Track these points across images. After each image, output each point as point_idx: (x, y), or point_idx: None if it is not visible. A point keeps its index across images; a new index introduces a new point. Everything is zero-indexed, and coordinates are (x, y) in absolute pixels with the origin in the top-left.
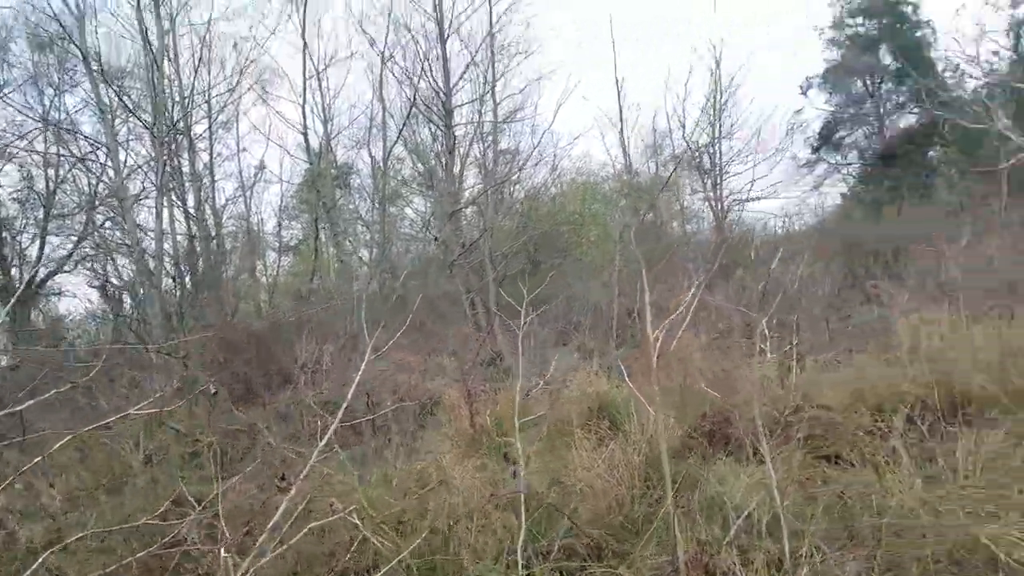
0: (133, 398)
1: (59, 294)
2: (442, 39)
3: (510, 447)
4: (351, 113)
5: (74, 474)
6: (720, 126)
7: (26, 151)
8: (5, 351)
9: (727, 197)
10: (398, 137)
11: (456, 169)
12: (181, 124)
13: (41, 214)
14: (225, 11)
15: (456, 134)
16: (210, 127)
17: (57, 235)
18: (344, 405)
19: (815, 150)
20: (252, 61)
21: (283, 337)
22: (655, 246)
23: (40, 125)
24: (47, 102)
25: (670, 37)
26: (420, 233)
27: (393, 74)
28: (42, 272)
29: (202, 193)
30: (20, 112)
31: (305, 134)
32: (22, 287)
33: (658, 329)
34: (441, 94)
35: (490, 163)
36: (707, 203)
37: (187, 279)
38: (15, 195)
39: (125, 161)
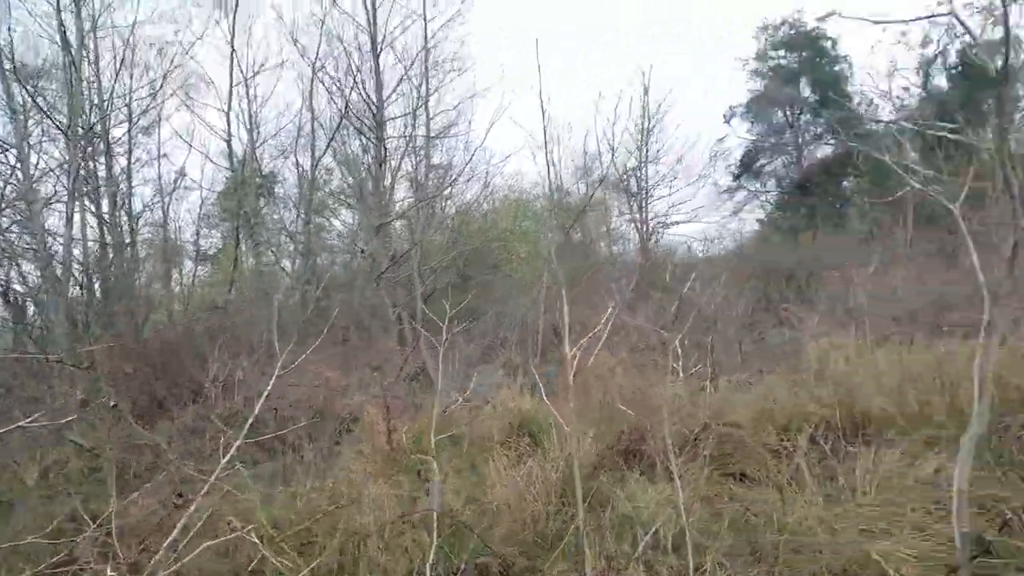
0: (29, 410)
1: None
2: (375, 52)
3: (425, 464)
4: (279, 122)
5: None
6: (647, 151)
7: None
8: None
9: (652, 220)
10: (327, 148)
11: (387, 182)
12: (98, 127)
13: None
14: (151, 14)
15: (387, 147)
16: (129, 131)
17: None
18: (250, 420)
19: (736, 177)
20: (177, 66)
21: (196, 349)
22: (582, 265)
23: None
24: None
25: (601, 55)
26: (347, 245)
27: (324, 85)
28: None
29: (118, 198)
30: None
31: (229, 141)
32: None
33: (575, 347)
34: (372, 106)
35: (422, 177)
36: (633, 225)
37: (96, 287)
38: None
39: (36, 163)
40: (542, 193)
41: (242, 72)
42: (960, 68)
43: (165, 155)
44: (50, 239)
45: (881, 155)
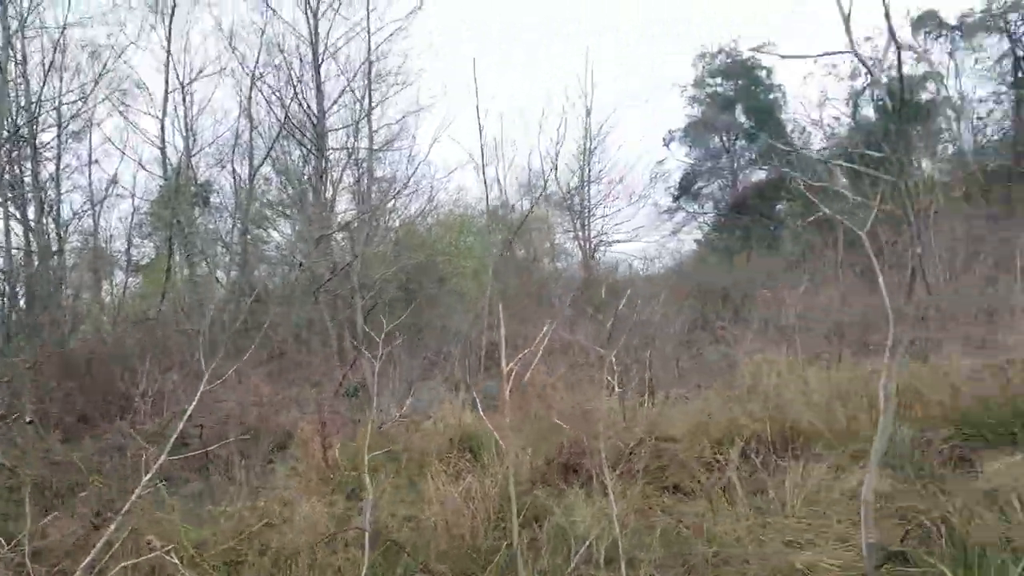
0: None
1: None
2: (316, 63)
3: (358, 482)
4: (216, 130)
5: None
6: (589, 170)
7: None
8: None
9: (594, 237)
10: (265, 157)
11: (327, 194)
12: (25, 131)
13: None
14: (82, 16)
15: (328, 158)
16: (59, 136)
17: None
18: (172, 437)
19: (675, 199)
20: (109, 70)
21: (125, 362)
22: (525, 281)
23: None
24: None
25: (547, 75)
26: (286, 258)
27: (263, 94)
28: None
29: (45, 205)
30: None
31: (163, 149)
32: None
33: (512, 363)
34: (313, 117)
35: (364, 190)
36: (576, 242)
37: (21, 296)
38: None
39: None
40: (486, 208)
41: (178, 78)
42: (887, 100)
43: (96, 161)
44: None
45: (811, 181)
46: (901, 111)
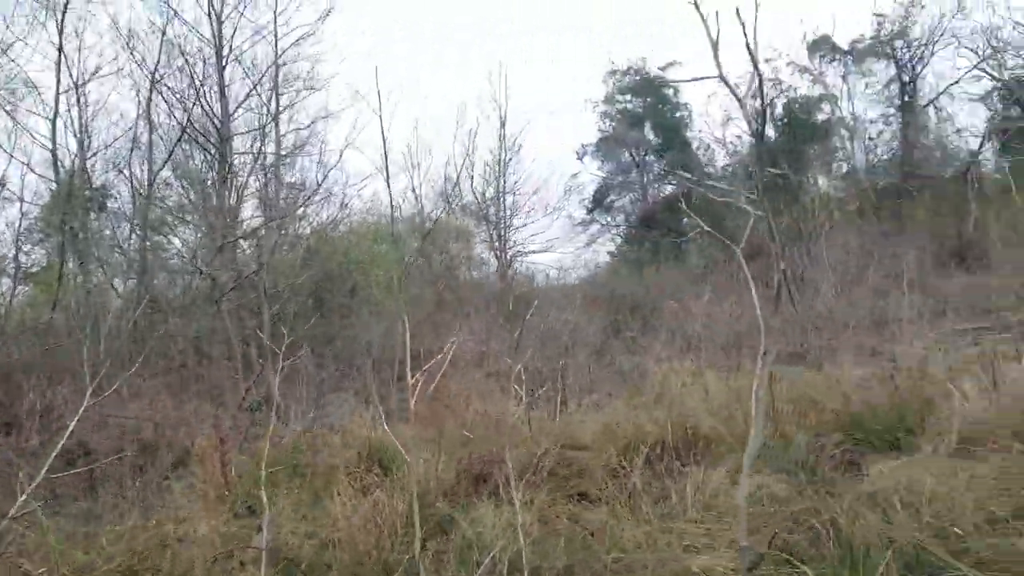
0: None
1: None
2: (220, 66)
3: (256, 500)
4: (112, 132)
5: None
6: (504, 181)
7: None
8: None
9: (510, 248)
10: (166, 162)
11: (232, 200)
12: None
13: None
14: None
15: (233, 163)
16: None
17: None
18: (53, 454)
19: (589, 211)
20: None
21: (10, 375)
22: (442, 290)
23: None
24: None
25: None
26: (188, 265)
27: (163, 96)
28: None
29: None
30: None
31: (55, 151)
32: None
33: (419, 373)
34: (216, 121)
35: (271, 196)
36: (492, 252)
37: None
38: None
39: None
40: (399, 216)
41: (72, 78)
42: (786, 120)
43: None
44: None
45: (715, 196)
46: (762, 135)
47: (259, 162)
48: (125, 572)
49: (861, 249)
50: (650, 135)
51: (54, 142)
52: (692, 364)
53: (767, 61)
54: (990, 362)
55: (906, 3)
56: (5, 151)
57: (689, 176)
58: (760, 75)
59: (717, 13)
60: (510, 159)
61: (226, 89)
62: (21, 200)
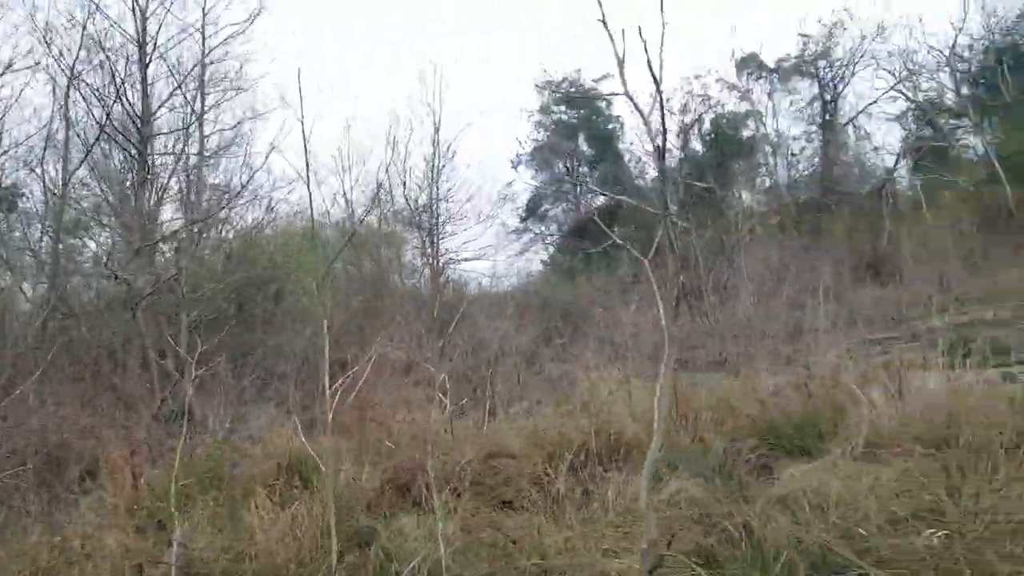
0: None
1: None
2: (143, 63)
3: (166, 514)
4: (26, 129)
5: None
6: (437, 188)
7: None
8: None
9: (443, 255)
10: (82, 161)
11: (151, 201)
12: None
13: None
14: None
15: (153, 163)
16: None
17: None
18: None
19: (523, 219)
20: None
21: None
22: (372, 298)
23: None
24: None
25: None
26: (103, 269)
27: (82, 93)
28: None
29: None
30: None
31: None
32: None
33: (338, 383)
34: (137, 120)
35: (193, 198)
36: (425, 259)
37: None
38: None
39: None
40: (327, 222)
41: None
42: (713, 135)
43: None
44: None
45: (645, 207)
46: (663, 154)
47: (181, 163)
48: None
49: (781, 261)
50: (584, 146)
51: None
52: (619, 372)
53: (697, 78)
54: (897, 371)
55: (830, 24)
56: None
57: (608, 194)
58: (661, 93)
59: (624, 31)
60: (443, 166)
61: (149, 87)
62: None
